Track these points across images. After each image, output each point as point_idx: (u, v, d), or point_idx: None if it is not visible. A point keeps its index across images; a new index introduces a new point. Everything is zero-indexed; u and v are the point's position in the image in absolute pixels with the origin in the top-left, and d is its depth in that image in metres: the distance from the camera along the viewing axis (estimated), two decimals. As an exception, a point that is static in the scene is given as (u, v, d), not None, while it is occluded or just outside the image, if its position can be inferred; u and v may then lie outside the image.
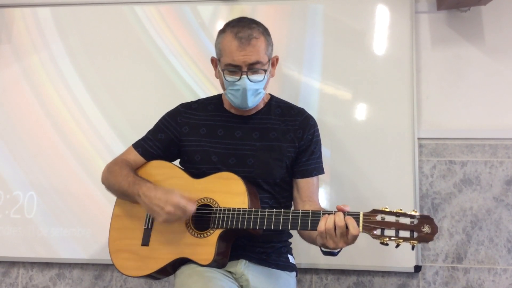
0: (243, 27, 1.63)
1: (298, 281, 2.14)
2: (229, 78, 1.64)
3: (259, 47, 1.62)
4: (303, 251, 2.03)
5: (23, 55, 2.47)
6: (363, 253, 2.12)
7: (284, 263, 1.71)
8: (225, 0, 2.39)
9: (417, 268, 2.13)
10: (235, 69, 1.62)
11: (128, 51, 2.41)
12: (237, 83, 1.62)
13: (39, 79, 2.44)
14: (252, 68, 1.62)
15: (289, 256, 1.75)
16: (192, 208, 1.53)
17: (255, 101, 1.68)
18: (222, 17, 2.36)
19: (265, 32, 1.68)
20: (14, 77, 2.46)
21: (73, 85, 2.42)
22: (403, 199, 2.16)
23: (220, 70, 1.67)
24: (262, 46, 1.64)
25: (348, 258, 2.12)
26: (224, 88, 1.70)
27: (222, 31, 1.67)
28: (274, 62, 1.74)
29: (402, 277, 2.17)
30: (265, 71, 1.64)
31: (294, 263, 1.76)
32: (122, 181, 1.64)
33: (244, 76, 1.61)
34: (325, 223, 1.41)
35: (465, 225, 2.18)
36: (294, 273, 1.75)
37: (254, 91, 1.65)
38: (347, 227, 1.39)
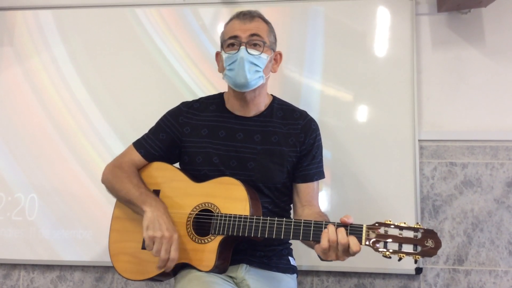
0: (245, 11, 1.71)
1: (299, 283, 2.13)
2: (228, 51, 1.66)
3: (260, 25, 1.68)
4: (304, 253, 2.02)
5: (25, 57, 2.48)
6: (364, 255, 2.08)
7: (285, 266, 1.70)
8: (226, 3, 2.40)
9: (418, 270, 2.13)
10: (235, 41, 1.65)
11: (129, 54, 2.42)
12: (235, 54, 1.64)
13: (41, 82, 2.45)
14: (252, 41, 1.64)
15: (290, 258, 1.75)
16: (170, 263, 1.50)
17: (253, 79, 1.65)
18: (223, 19, 2.34)
19: (268, 23, 1.74)
20: (15, 80, 2.46)
21: (75, 88, 2.42)
22: (404, 201, 2.15)
23: (222, 53, 1.69)
24: (264, 26, 1.70)
25: (349, 260, 2.08)
26: (224, 70, 1.69)
27: (227, 22, 1.74)
28: (277, 57, 1.77)
29: (403, 279, 2.17)
30: (264, 45, 1.65)
31: (295, 265, 1.76)
32: (131, 189, 1.61)
33: (243, 47, 1.63)
34: (328, 240, 1.39)
35: (466, 227, 2.18)
36: (295, 275, 1.75)
37: (253, 66, 1.64)
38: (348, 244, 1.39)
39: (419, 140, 2.21)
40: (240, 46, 1.63)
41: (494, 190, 2.19)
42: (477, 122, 2.24)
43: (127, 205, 1.66)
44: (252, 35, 1.64)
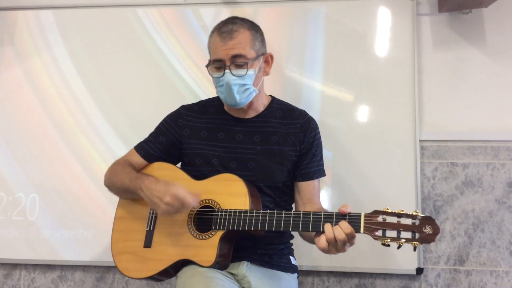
0: (226, 23, 1.66)
1: (300, 283, 2.14)
2: (215, 74, 1.65)
3: (241, 40, 1.62)
4: (305, 253, 2.03)
5: (25, 57, 2.48)
6: (365, 255, 2.12)
7: (286, 265, 1.71)
8: (226, 3, 2.40)
9: (419, 271, 2.13)
10: (220, 64, 1.63)
11: (130, 54, 2.42)
12: (221, 78, 1.62)
13: (42, 82, 2.45)
14: (235, 62, 1.61)
15: (291, 257, 1.75)
16: (191, 200, 1.51)
17: (244, 98, 1.65)
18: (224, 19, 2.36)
19: (251, 27, 1.68)
20: (16, 79, 2.46)
21: (75, 88, 2.42)
22: (405, 201, 2.15)
23: (209, 70, 1.67)
24: (245, 39, 1.63)
25: (350, 260, 2.12)
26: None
27: (211, 33, 1.69)
28: (268, 60, 1.73)
29: (404, 279, 2.17)
30: (248, 64, 1.61)
31: (296, 264, 1.77)
32: (124, 178, 1.65)
33: (227, 71, 1.61)
34: (325, 239, 1.41)
35: (467, 227, 2.18)
36: (295, 275, 1.75)
37: (240, 86, 1.63)
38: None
39: (420, 140, 2.22)
40: (224, 70, 1.61)
41: (495, 191, 2.19)
42: (478, 123, 2.24)
43: (127, 196, 1.68)
44: (234, 56, 1.61)
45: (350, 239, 1.40)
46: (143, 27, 2.43)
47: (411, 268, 2.13)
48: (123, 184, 1.66)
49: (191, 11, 2.42)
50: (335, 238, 1.39)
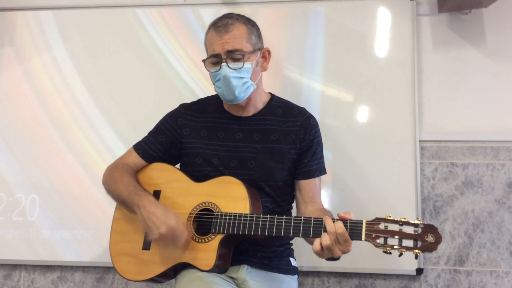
0: (221, 18, 1.67)
1: (300, 284, 2.13)
2: (212, 69, 1.65)
3: (237, 33, 1.63)
4: (304, 254, 2.02)
5: (25, 58, 2.48)
6: (365, 256, 2.12)
7: (286, 267, 1.70)
8: (226, 3, 2.40)
9: (419, 271, 2.13)
10: (216, 59, 1.63)
11: (130, 54, 2.42)
12: (218, 72, 1.62)
13: (42, 82, 2.45)
14: (232, 55, 1.61)
15: (291, 259, 1.75)
16: (184, 237, 1.52)
17: (242, 92, 1.64)
18: (223, 20, 2.36)
19: (247, 22, 1.68)
20: (16, 80, 2.46)
21: (75, 88, 2.42)
22: (404, 202, 2.15)
23: (205, 65, 1.67)
24: (241, 33, 1.64)
25: (350, 261, 2.11)
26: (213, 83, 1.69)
27: (207, 29, 1.70)
28: (266, 55, 1.73)
29: (404, 280, 2.17)
30: (244, 57, 1.61)
31: (296, 266, 1.76)
32: (122, 189, 1.63)
33: (224, 64, 1.61)
34: (320, 242, 1.40)
35: (467, 227, 2.18)
36: (296, 276, 1.74)
37: (238, 80, 1.62)
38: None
39: (420, 141, 2.21)
40: (221, 64, 1.61)
41: (495, 191, 2.19)
42: (478, 123, 2.23)
43: (122, 205, 1.67)
44: (230, 51, 1.61)
45: (342, 242, 1.38)
46: (143, 27, 2.43)
47: (411, 268, 2.13)
48: (120, 195, 1.64)
49: (191, 11, 2.42)
50: (331, 242, 1.38)
